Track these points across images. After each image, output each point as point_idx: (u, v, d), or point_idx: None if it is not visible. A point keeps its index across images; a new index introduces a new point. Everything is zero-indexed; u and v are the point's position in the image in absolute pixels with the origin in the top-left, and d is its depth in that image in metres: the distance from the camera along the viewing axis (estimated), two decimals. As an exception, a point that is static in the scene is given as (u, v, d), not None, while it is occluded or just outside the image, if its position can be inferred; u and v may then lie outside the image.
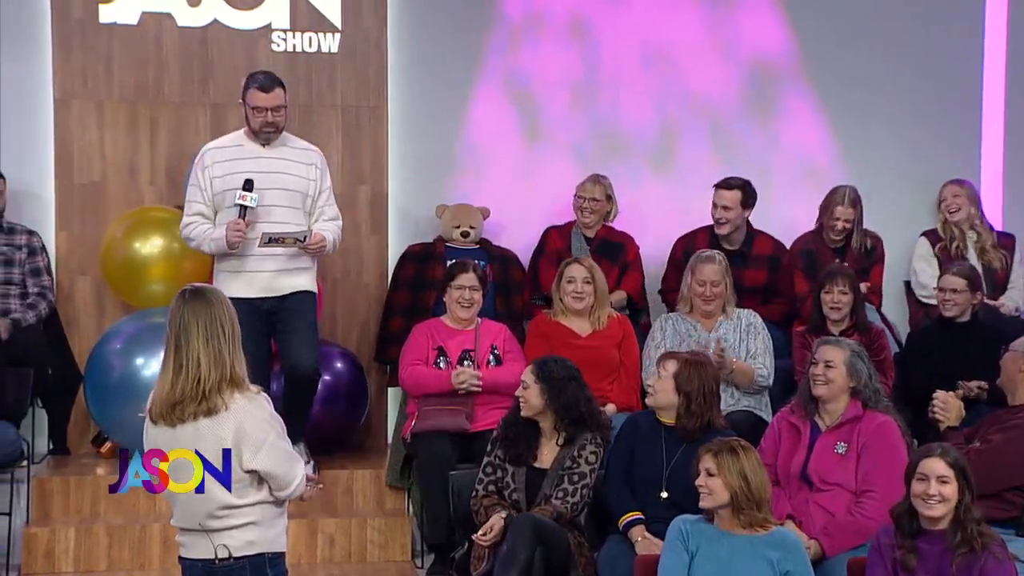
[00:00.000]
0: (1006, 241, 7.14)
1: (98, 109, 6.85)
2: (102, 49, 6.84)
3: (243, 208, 5.60)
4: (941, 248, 7.06)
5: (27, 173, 6.79)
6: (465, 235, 6.82)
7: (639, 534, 5.01)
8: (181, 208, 5.95)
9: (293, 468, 3.86)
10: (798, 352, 6.15)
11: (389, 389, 6.96)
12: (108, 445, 6.51)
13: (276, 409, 3.88)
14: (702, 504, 4.41)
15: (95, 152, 6.85)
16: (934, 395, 5.54)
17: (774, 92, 7.52)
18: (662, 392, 5.18)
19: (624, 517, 5.08)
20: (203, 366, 3.73)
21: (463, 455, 5.78)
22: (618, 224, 6.93)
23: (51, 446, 6.65)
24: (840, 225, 6.78)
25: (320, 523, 6.01)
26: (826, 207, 6.85)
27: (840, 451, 5.02)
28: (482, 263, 6.49)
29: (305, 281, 5.80)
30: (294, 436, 4.01)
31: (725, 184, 6.67)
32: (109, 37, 6.84)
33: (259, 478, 3.80)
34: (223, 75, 6.86)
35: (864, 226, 6.88)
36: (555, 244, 6.83)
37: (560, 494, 5.12)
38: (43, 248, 6.62)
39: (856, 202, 6.81)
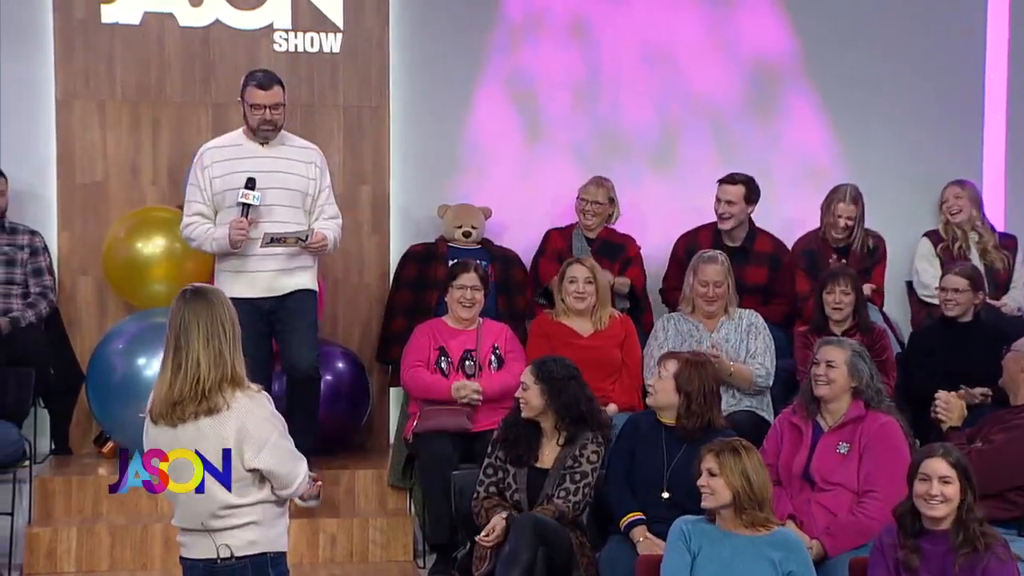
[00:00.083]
0: (1008, 242, 7.14)
1: (100, 109, 6.85)
2: (104, 49, 6.84)
3: (246, 206, 5.60)
4: (943, 248, 7.05)
5: (29, 173, 6.79)
6: (467, 235, 6.82)
7: (641, 534, 5.01)
8: (182, 208, 5.95)
9: (296, 467, 3.86)
10: (800, 352, 6.15)
11: (391, 389, 6.96)
12: (110, 445, 6.51)
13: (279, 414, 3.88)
14: (704, 504, 4.41)
15: (97, 152, 6.86)
16: (936, 395, 5.54)
17: (775, 92, 7.53)
18: (662, 392, 5.18)
19: (626, 518, 5.08)
20: (203, 366, 3.73)
21: (465, 455, 5.78)
22: (619, 225, 6.93)
23: (53, 446, 6.66)
24: (843, 223, 6.77)
25: (322, 523, 6.01)
26: (828, 205, 6.85)
27: (842, 451, 5.02)
28: (484, 263, 6.49)
29: (306, 280, 5.81)
30: (305, 453, 4.00)
31: (729, 179, 6.68)
32: (111, 37, 6.84)
33: (260, 477, 3.80)
34: (225, 75, 6.86)
35: (866, 226, 6.88)
36: (556, 244, 6.83)
37: (562, 493, 5.12)
38: (45, 248, 6.62)
39: (858, 199, 6.81)
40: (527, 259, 6.94)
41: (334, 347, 6.68)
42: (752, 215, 6.77)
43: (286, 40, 6.97)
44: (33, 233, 6.60)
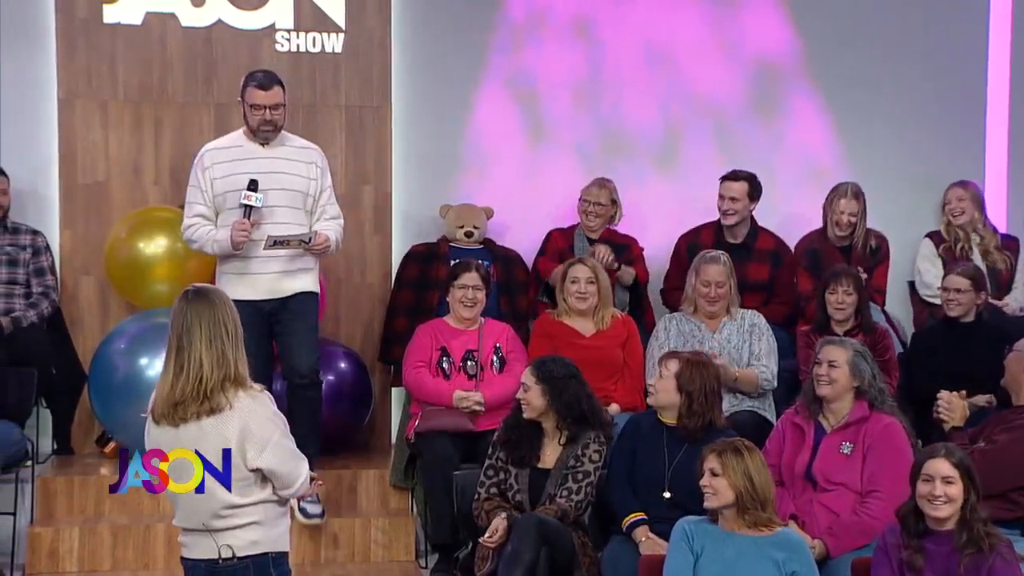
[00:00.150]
0: (1010, 243, 7.13)
1: (102, 109, 6.86)
2: (106, 49, 6.84)
3: (248, 208, 5.58)
4: (945, 249, 7.05)
5: (31, 173, 6.80)
6: (469, 235, 6.82)
7: (643, 534, 5.01)
8: (184, 208, 5.94)
9: (298, 467, 3.86)
10: (802, 352, 6.14)
11: (393, 389, 6.96)
12: (112, 445, 6.51)
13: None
14: (707, 504, 4.41)
15: (99, 152, 6.86)
16: (938, 395, 5.54)
17: (778, 92, 7.52)
18: (663, 392, 5.18)
19: (628, 518, 5.08)
20: (205, 367, 3.73)
21: (466, 455, 5.78)
22: (622, 225, 6.91)
23: (55, 446, 6.66)
24: (845, 219, 6.76)
25: (323, 523, 6.00)
26: (830, 203, 6.84)
27: (845, 451, 5.02)
28: (486, 263, 6.49)
29: (308, 282, 5.79)
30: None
31: (732, 176, 6.69)
32: (113, 37, 6.84)
33: (262, 477, 3.80)
34: (227, 75, 6.86)
35: (868, 226, 6.87)
36: (557, 244, 6.82)
37: (564, 493, 5.12)
38: (47, 248, 6.63)
39: (859, 196, 6.80)
40: (529, 259, 6.93)
41: (336, 347, 6.68)
42: (754, 214, 6.77)
43: (288, 40, 6.97)
44: (35, 233, 6.61)
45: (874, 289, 6.74)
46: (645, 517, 5.05)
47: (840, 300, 6.16)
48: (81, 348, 6.68)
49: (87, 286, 6.83)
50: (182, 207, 5.97)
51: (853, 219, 6.78)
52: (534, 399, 5.23)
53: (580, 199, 6.82)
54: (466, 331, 6.09)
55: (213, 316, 3.78)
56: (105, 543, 5.87)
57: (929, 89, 7.55)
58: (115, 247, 6.54)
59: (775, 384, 6.05)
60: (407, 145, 7.13)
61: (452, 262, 6.48)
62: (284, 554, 3.92)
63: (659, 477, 5.11)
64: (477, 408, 5.88)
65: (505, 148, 7.28)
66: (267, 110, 5.66)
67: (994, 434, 5.23)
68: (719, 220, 6.74)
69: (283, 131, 5.80)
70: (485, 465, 5.32)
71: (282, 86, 5.74)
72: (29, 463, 6.08)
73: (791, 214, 7.24)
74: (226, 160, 5.71)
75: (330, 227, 5.79)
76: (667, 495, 5.07)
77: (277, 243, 5.60)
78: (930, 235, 7.16)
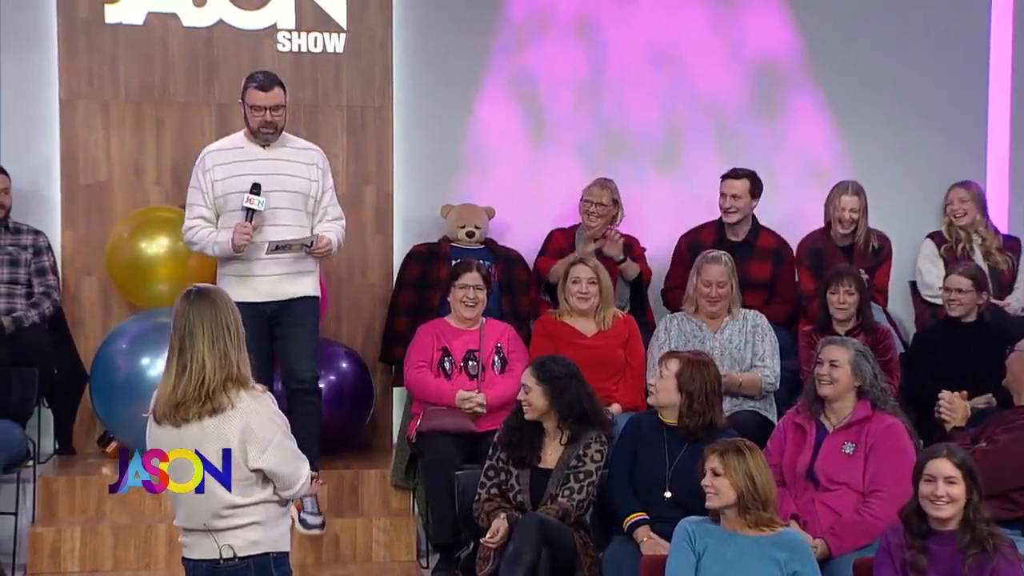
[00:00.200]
0: (1012, 244, 7.13)
1: (104, 109, 6.86)
2: (107, 49, 6.84)
3: (250, 211, 5.55)
4: (947, 249, 7.04)
5: (33, 173, 6.80)
6: (470, 235, 6.82)
7: (645, 534, 5.01)
8: (185, 208, 5.94)
9: (299, 468, 3.86)
10: (804, 352, 6.14)
11: (394, 389, 6.96)
12: (114, 445, 6.51)
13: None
14: (708, 504, 4.41)
15: (101, 152, 6.86)
16: (939, 395, 5.53)
17: (779, 92, 7.52)
18: (664, 391, 5.18)
19: (629, 517, 5.07)
20: (208, 368, 3.73)
21: (468, 455, 5.78)
22: (623, 225, 6.91)
23: (57, 446, 6.66)
24: (847, 215, 6.75)
25: (325, 523, 6.00)
26: (831, 200, 6.84)
27: (848, 451, 5.02)
28: (487, 263, 6.49)
29: (309, 285, 5.74)
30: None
31: (733, 174, 6.70)
32: (115, 37, 6.85)
33: (264, 477, 3.80)
34: (228, 75, 6.86)
35: (869, 225, 6.87)
36: (559, 244, 6.83)
37: (566, 492, 5.12)
38: (49, 248, 6.63)
39: (860, 192, 6.80)
40: (531, 259, 6.93)
41: (337, 347, 6.68)
42: (755, 214, 6.78)
43: (289, 40, 6.97)
44: (37, 233, 6.61)
45: (876, 289, 6.74)
46: (647, 517, 5.05)
47: (841, 300, 6.16)
48: (83, 348, 6.68)
49: (89, 286, 6.84)
50: (183, 207, 5.96)
51: (855, 215, 6.77)
52: (536, 400, 5.23)
53: (582, 199, 6.81)
54: (467, 331, 6.09)
55: (215, 317, 3.78)
56: (107, 543, 5.87)
57: (930, 89, 7.55)
58: (117, 247, 6.55)
59: (778, 386, 6.06)
60: (408, 145, 7.13)
61: (453, 262, 6.48)
62: (285, 554, 3.92)
63: (660, 477, 5.11)
64: (479, 410, 5.88)
65: (507, 148, 7.28)
66: (267, 111, 5.63)
67: (995, 434, 5.23)
68: (720, 219, 6.74)
69: (284, 132, 5.77)
70: (485, 466, 5.31)
71: (283, 87, 5.70)
72: (31, 463, 6.09)
73: (792, 214, 7.23)
74: (227, 162, 5.69)
75: (332, 229, 5.77)
76: (668, 495, 5.07)
77: (279, 248, 5.57)
78: (931, 235, 7.15)
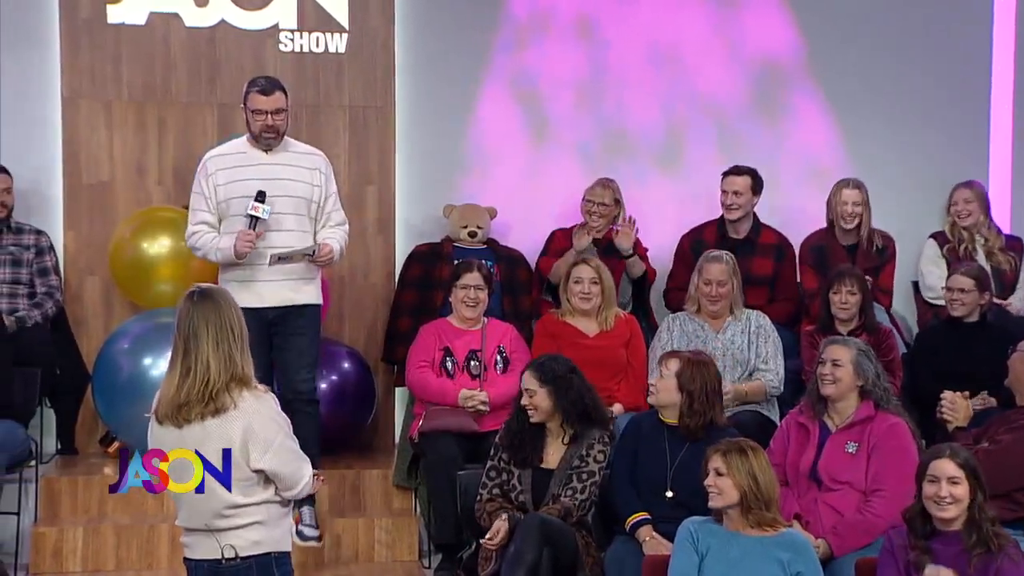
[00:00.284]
0: (1014, 244, 7.12)
1: (106, 109, 6.86)
2: (110, 49, 6.85)
3: (254, 219, 5.49)
4: (949, 250, 7.04)
5: (35, 173, 6.81)
6: (472, 235, 6.82)
7: (647, 534, 5.00)
8: (188, 208, 5.93)
9: (301, 468, 3.86)
10: (807, 352, 6.14)
11: (396, 389, 6.97)
12: (116, 445, 6.51)
13: None
14: (711, 504, 4.41)
15: (103, 152, 6.87)
16: (942, 395, 5.53)
17: (780, 92, 7.52)
18: (664, 391, 5.18)
19: (631, 517, 5.07)
20: (213, 369, 3.73)
21: (470, 455, 5.77)
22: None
23: (59, 446, 6.67)
24: (849, 209, 6.73)
25: (327, 522, 6.00)
26: (832, 197, 6.82)
27: (851, 451, 5.02)
28: (489, 263, 6.49)
29: (311, 294, 5.69)
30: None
31: (734, 171, 6.72)
32: (117, 37, 6.85)
33: (265, 477, 3.80)
34: (230, 75, 6.87)
35: (873, 226, 6.86)
36: (560, 244, 6.82)
37: (569, 492, 5.12)
38: (51, 248, 6.63)
39: (861, 186, 6.79)
40: (532, 259, 6.93)
41: (339, 347, 6.68)
42: (757, 213, 6.78)
43: (291, 40, 6.97)
44: (39, 233, 6.61)
45: (881, 290, 6.73)
46: (648, 517, 5.05)
47: (844, 300, 6.16)
48: (85, 348, 6.68)
49: (91, 286, 6.84)
50: (186, 207, 5.95)
51: (857, 208, 6.74)
52: (541, 402, 5.22)
53: (583, 199, 6.81)
54: (469, 331, 6.09)
55: (220, 318, 3.78)
56: (109, 543, 5.87)
57: (932, 89, 7.55)
58: (119, 247, 6.55)
59: (782, 389, 6.06)
60: (410, 145, 7.14)
61: (455, 262, 6.48)
62: (287, 554, 3.92)
63: (661, 477, 5.11)
64: (482, 408, 5.88)
65: (508, 148, 7.28)
66: (269, 115, 5.58)
67: (998, 434, 5.23)
68: (722, 217, 6.75)
69: (286, 137, 5.72)
70: (487, 466, 5.31)
71: (284, 91, 5.64)
72: (33, 463, 6.09)
73: (793, 214, 7.23)
74: (230, 167, 5.63)
75: (334, 235, 5.71)
76: (669, 494, 5.07)
77: (281, 259, 5.53)
78: (934, 236, 7.15)
